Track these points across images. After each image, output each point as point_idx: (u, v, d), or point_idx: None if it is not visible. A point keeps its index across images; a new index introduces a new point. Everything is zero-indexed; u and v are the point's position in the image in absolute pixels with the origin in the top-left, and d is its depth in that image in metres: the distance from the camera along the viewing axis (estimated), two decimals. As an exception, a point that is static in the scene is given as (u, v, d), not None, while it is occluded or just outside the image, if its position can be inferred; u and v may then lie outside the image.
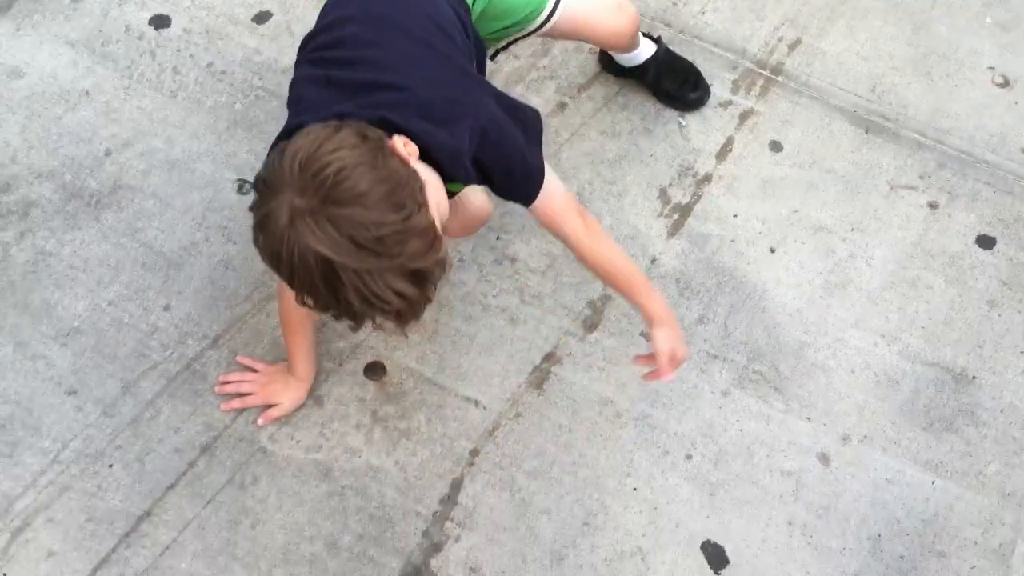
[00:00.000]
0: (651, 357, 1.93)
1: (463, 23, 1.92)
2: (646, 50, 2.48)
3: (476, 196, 2.14)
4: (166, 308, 2.21)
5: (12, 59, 2.49)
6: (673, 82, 2.52)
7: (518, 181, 1.83)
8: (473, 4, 2.02)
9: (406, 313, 1.56)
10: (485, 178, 1.79)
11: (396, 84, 1.70)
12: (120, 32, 2.54)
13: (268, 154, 1.62)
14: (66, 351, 2.15)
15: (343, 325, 2.18)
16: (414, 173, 1.57)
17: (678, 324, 1.96)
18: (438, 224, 1.57)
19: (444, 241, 1.57)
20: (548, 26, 2.13)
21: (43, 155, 2.36)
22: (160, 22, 2.56)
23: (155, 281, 2.23)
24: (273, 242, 1.51)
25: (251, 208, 1.56)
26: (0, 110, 2.42)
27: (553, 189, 1.88)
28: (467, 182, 1.78)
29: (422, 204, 1.55)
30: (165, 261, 2.24)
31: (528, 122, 1.82)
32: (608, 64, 2.56)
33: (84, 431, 2.08)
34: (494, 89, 1.81)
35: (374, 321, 1.57)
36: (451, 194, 1.83)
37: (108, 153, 2.38)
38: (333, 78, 1.72)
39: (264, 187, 1.53)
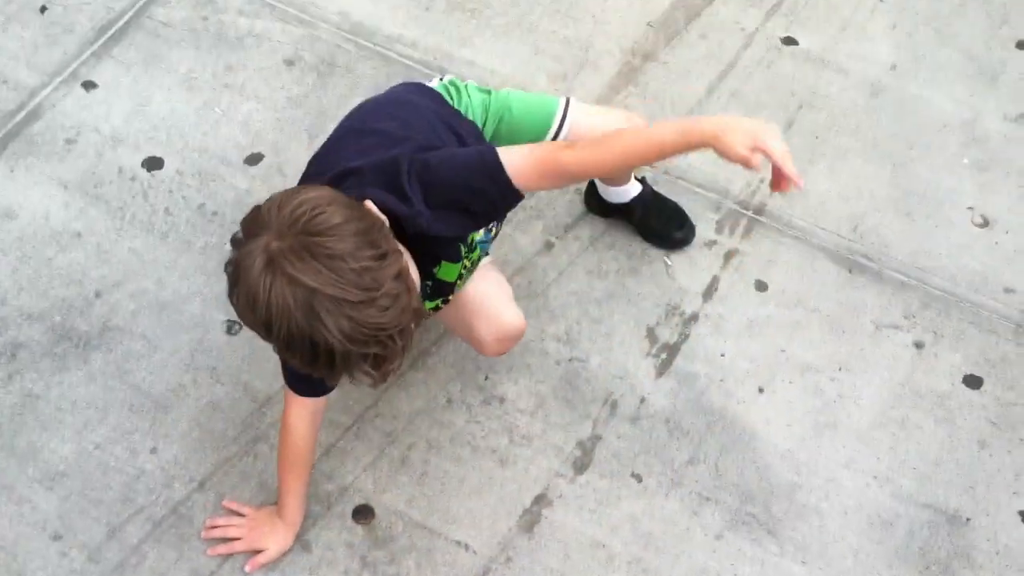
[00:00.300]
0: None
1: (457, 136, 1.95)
2: (634, 188, 2.52)
3: (507, 309, 2.14)
4: (153, 451, 2.19)
5: (5, 200, 2.51)
6: (659, 221, 2.56)
7: (481, 178, 1.77)
8: (484, 125, 2.06)
9: (385, 356, 1.57)
10: (455, 211, 1.78)
11: (353, 169, 1.76)
12: (113, 174, 2.58)
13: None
14: (52, 495, 2.13)
15: (331, 466, 2.18)
16: (385, 222, 1.63)
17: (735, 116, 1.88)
18: (413, 273, 1.62)
19: (416, 291, 1.62)
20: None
21: (33, 297, 2.37)
22: (153, 164, 2.60)
23: (142, 423, 2.22)
24: (250, 286, 1.53)
25: (226, 266, 1.59)
26: (-9, 251, 2.44)
27: (515, 155, 1.79)
28: (448, 232, 1.79)
29: (394, 250, 1.59)
30: (152, 403, 2.24)
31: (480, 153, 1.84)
32: (594, 203, 2.59)
33: (67, 579, 2.05)
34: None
35: (351, 374, 1.58)
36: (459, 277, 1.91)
37: (98, 294, 2.39)
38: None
39: (241, 238, 1.57)
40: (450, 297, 2.06)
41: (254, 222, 1.57)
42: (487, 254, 2.18)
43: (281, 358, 1.73)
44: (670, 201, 2.59)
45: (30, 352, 2.30)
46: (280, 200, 1.57)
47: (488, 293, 2.12)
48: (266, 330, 1.55)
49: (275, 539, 2.08)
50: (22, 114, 2.66)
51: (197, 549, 2.09)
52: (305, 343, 1.54)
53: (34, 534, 2.09)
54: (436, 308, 2.07)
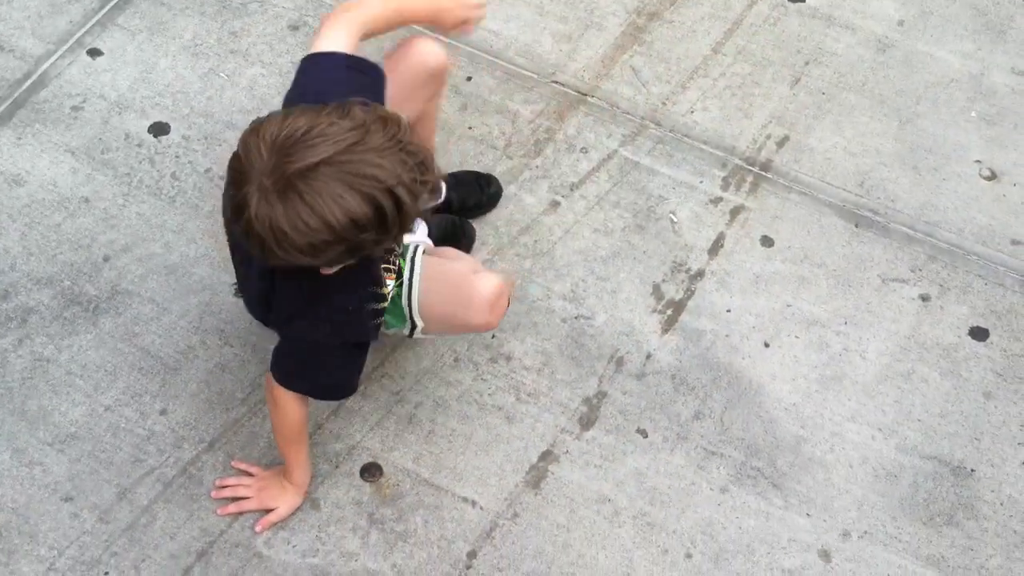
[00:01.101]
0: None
1: None
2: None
3: (478, 284, 2.06)
4: (163, 412, 2.22)
5: (13, 167, 2.53)
6: (470, 195, 2.52)
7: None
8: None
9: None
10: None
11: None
12: (120, 140, 2.59)
13: None
14: (63, 457, 2.15)
15: (338, 425, 2.20)
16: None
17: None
18: None
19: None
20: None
21: (42, 262, 2.39)
22: (159, 129, 2.61)
23: (152, 385, 2.24)
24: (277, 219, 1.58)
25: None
26: (1, 218, 2.45)
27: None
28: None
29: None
30: (162, 365, 2.26)
31: None
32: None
33: (80, 538, 2.07)
34: None
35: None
36: None
37: (106, 259, 2.40)
38: None
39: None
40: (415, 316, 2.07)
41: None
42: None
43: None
44: (464, 173, 2.57)
45: (40, 316, 2.32)
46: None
47: (452, 286, 2.06)
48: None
49: (285, 499, 2.10)
50: (28, 82, 2.67)
51: (207, 509, 2.11)
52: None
53: (45, 496, 2.11)
54: (413, 329, 2.07)
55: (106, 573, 2.04)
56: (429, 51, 2.16)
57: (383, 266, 1.90)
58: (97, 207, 2.48)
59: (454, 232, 2.43)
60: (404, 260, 2.01)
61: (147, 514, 2.10)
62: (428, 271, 2.03)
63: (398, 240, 1.73)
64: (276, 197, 1.54)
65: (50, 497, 2.11)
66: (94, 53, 2.73)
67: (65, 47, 2.74)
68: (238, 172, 1.58)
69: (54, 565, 2.04)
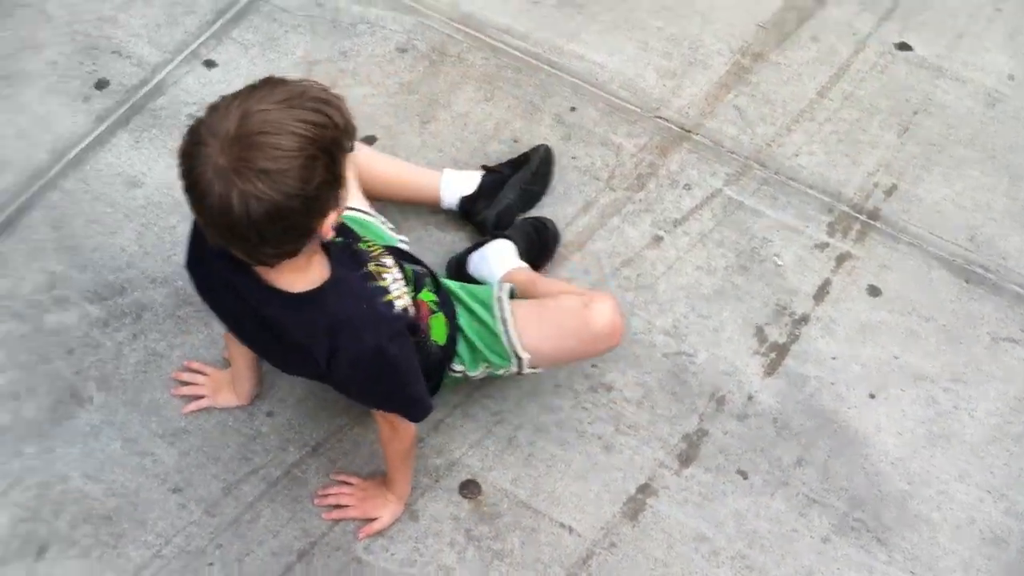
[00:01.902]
0: None
1: None
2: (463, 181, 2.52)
3: (590, 313, 2.12)
4: (269, 414, 2.24)
5: (131, 169, 2.58)
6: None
7: None
8: None
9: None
10: None
11: None
12: (236, 147, 2.63)
13: None
14: (172, 450, 2.18)
15: (440, 441, 2.21)
16: None
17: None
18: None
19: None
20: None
21: (157, 262, 2.43)
22: (274, 140, 2.65)
23: (260, 388, 2.26)
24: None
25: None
26: (118, 217, 2.49)
27: None
28: None
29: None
30: (269, 369, 2.27)
31: None
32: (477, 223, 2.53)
33: (186, 528, 2.09)
34: None
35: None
36: None
37: (220, 262, 2.44)
38: None
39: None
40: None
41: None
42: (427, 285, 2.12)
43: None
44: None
45: (154, 313, 2.35)
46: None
47: (566, 328, 2.13)
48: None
49: (387, 509, 2.11)
50: (146, 89, 2.73)
51: (309, 511, 2.12)
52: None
53: (155, 485, 2.14)
54: (520, 363, 2.12)
55: (211, 564, 2.06)
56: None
57: (370, 264, 1.90)
58: (212, 211, 2.51)
59: (538, 235, 2.47)
60: (408, 272, 2.01)
61: (251, 511, 2.12)
62: (525, 314, 2.10)
63: (351, 137, 1.68)
64: (241, 151, 1.53)
65: (160, 487, 2.14)
66: (209, 64, 2.79)
67: (181, 57, 2.80)
68: (193, 180, 1.57)
69: (160, 552, 2.07)
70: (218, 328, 2.33)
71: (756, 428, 2.30)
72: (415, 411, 1.95)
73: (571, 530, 2.15)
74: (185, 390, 2.24)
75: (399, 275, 1.94)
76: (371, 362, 1.80)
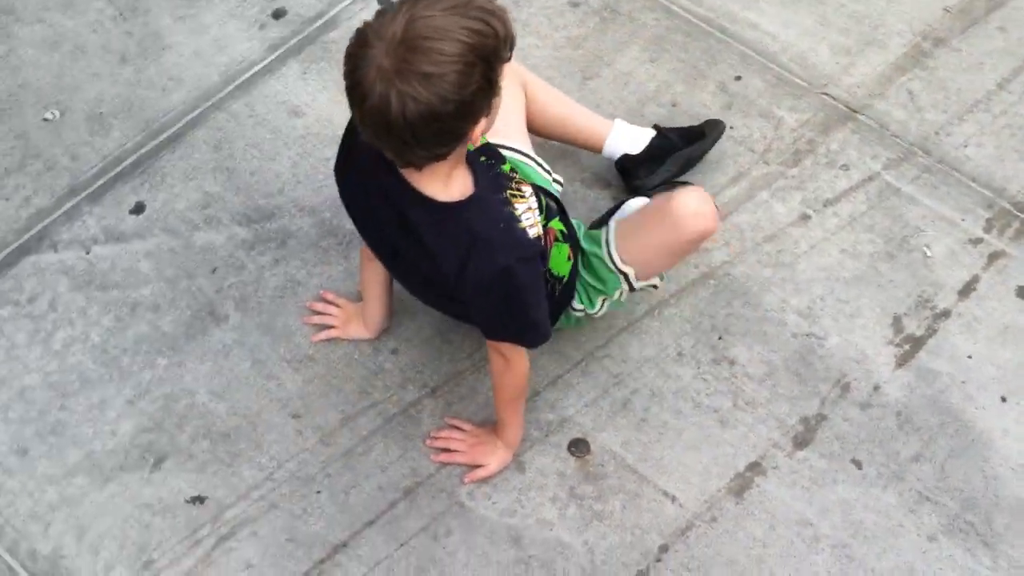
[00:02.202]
0: None
1: None
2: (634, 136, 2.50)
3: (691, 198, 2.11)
4: (393, 351, 2.31)
5: (295, 99, 2.68)
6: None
7: None
8: None
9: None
10: None
11: None
12: (395, 87, 2.69)
13: None
14: (297, 376, 2.28)
15: (555, 396, 2.24)
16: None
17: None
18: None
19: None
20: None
21: (308, 191, 2.52)
22: (433, 83, 2.70)
23: (389, 324, 2.34)
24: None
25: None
26: (277, 144, 2.60)
27: None
28: None
29: None
30: (401, 306, 2.34)
31: None
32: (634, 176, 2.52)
33: (300, 454, 2.19)
34: None
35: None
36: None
37: (366, 198, 2.52)
38: None
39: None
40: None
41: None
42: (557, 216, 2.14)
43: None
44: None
45: (298, 242, 2.45)
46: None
47: (652, 222, 2.13)
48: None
49: (496, 456, 2.16)
50: (320, 21, 2.82)
51: (420, 451, 2.20)
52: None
53: (276, 409, 2.25)
54: (628, 280, 2.15)
55: (318, 492, 2.15)
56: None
57: (508, 192, 1.93)
58: (365, 148, 2.59)
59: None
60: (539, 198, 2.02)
61: (364, 444, 2.20)
62: (623, 232, 2.12)
63: (510, 47, 1.72)
64: (405, 54, 1.58)
65: (280, 411, 2.24)
66: (384, 1, 2.85)
67: (359, -8, 2.87)
68: (356, 80, 1.62)
69: (273, 475, 2.17)
70: (356, 261, 2.42)
71: (878, 419, 2.25)
72: (532, 336, 1.98)
73: (674, 499, 2.16)
74: (316, 319, 2.33)
75: (534, 204, 1.97)
76: (499, 281, 1.84)
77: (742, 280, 2.42)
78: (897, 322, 2.37)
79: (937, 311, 2.39)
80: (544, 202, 2.04)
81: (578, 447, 2.22)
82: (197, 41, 2.77)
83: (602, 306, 2.21)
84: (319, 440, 2.21)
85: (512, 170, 1.99)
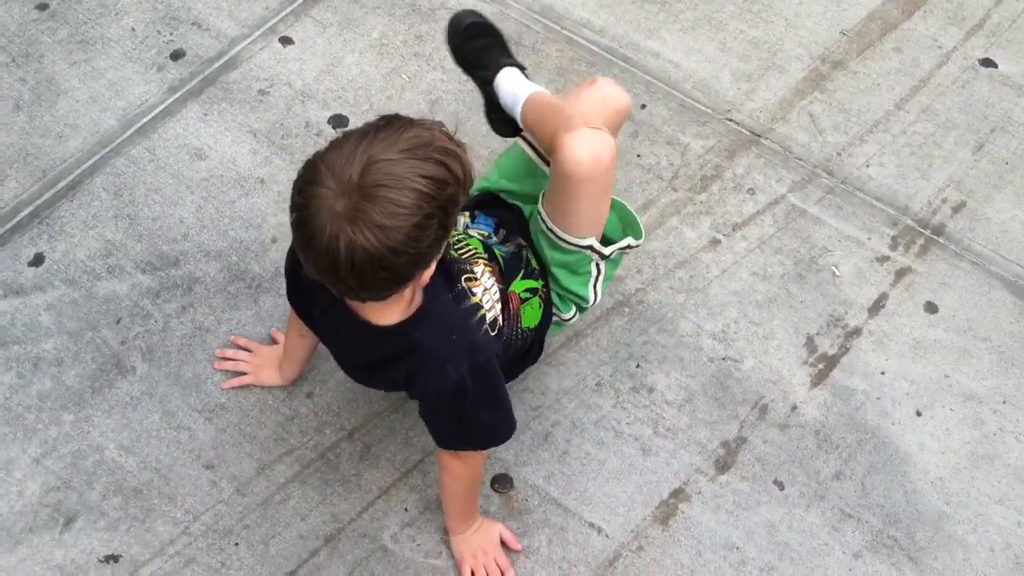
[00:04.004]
0: None
1: None
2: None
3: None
4: (308, 395, 2.26)
5: (197, 141, 2.62)
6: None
7: None
8: None
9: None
10: None
11: None
12: (300, 127, 2.66)
13: None
14: (209, 426, 2.22)
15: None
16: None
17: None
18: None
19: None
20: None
21: (213, 236, 2.47)
22: (339, 122, 2.68)
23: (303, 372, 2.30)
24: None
25: None
26: (180, 188, 2.54)
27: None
28: None
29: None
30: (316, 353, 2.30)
31: None
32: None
33: (216, 506, 2.13)
34: None
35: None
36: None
37: (275, 240, 2.47)
38: None
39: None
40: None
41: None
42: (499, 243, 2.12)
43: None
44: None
45: (205, 287, 2.40)
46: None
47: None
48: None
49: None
50: (220, 62, 2.77)
51: (340, 495, 2.15)
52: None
53: (189, 460, 2.18)
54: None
55: (236, 544, 2.09)
56: (614, 95, 2.08)
57: (463, 277, 1.90)
58: (272, 189, 2.55)
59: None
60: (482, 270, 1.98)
61: (282, 491, 2.15)
62: (552, 209, 2.04)
63: (468, 191, 1.66)
64: (359, 201, 1.52)
65: (193, 463, 2.18)
66: (285, 41, 2.82)
67: (259, 32, 2.83)
68: (304, 218, 1.56)
69: (188, 529, 2.10)
70: (266, 306, 2.37)
71: (797, 439, 2.26)
72: (493, 440, 1.94)
73: (600, 530, 2.15)
74: (228, 365, 2.28)
75: (489, 282, 1.94)
76: (452, 394, 1.79)
77: (656, 307, 2.43)
78: (810, 342, 2.40)
79: (848, 329, 2.41)
80: (503, 265, 2.01)
81: (501, 483, 2.19)
82: (93, 85, 2.71)
83: (596, 292, 2.13)
84: (235, 490, 2.15)
85: (459, 241, 1.95)
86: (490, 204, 2.18)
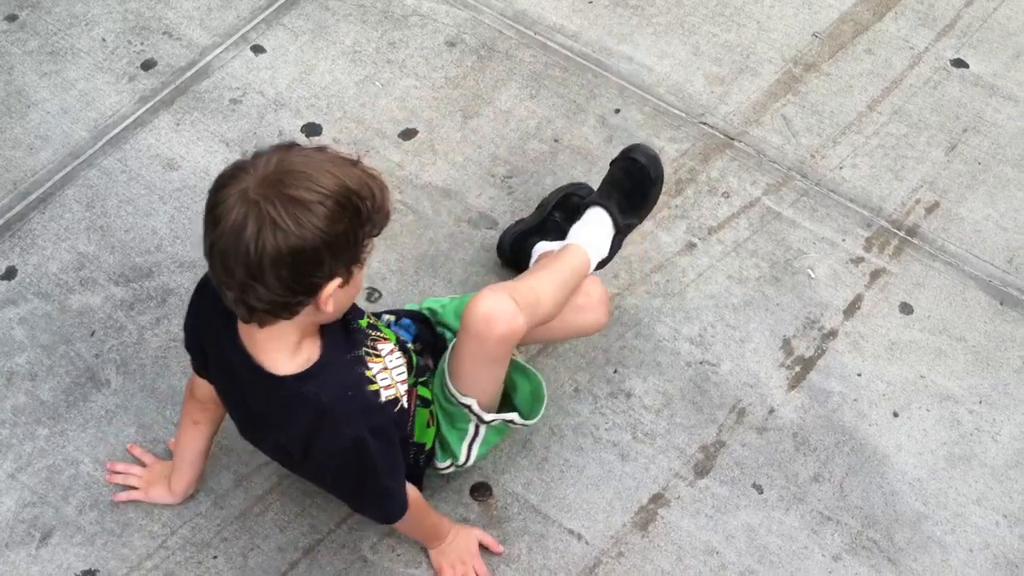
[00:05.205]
0: None
1: None
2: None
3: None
4: (285, 407, 2.25)
5: (169, 152, 2.61)
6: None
7: None
8: None
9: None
10: None
11: None
12: (273, 136, 2.65)
13: None
14: (186, 438, 2.20)
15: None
16: None
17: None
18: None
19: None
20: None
21: (187, 247, 2.45)
22: (311, 130, 2.67)
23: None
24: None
25: None
26: (152, 199, 2.53)
27: None
28: None
29: None
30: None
31: None
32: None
33: (193, 519, 2.11)
34: None
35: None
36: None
37: (248, 250, 2.46)
38: None
39: None
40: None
41: None
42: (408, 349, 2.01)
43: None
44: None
45: (179, 299, 2.38)
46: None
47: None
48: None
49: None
50: (192, 71, 2.75)
51: (318, 506, 2.13)
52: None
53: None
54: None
55: (215, 557, 2.07)
56: (581, 320, 2.10)
57: (364, 349, 1.80)
58: (245, 199, 2.54)
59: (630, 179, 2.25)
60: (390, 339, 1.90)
61: (260, 503, 2.14)
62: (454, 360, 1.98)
63: (380, 223, 1.62)
64: (276, 178, 1.50)
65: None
66: (257, 50, 2.81)
67: (230, 41, 2.82)
68: (215, 201, 1.54)
69: (166, 543, 2.09)
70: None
71: (775, 442, 2.27)
72: (386, 510, 1.86)
73: (580, 537, 2.14)
74: (118, 479, 2.14)
75: (393, 363, 1.84)
76: (350, 454, 1.72)
77: (633, 312, 2.42)
78: (787, 344, 2.40)
79: (825, 331, 2.42)
80: (416, 361, 1.94)
81: (480, 491, 2.18)
82: (64, 97, 2.69)
83: (469, 453, 2.06)
84: (213, 503, 2.13)
85: (371, 326, 1.86)
86: (419, 320, 2.11)
